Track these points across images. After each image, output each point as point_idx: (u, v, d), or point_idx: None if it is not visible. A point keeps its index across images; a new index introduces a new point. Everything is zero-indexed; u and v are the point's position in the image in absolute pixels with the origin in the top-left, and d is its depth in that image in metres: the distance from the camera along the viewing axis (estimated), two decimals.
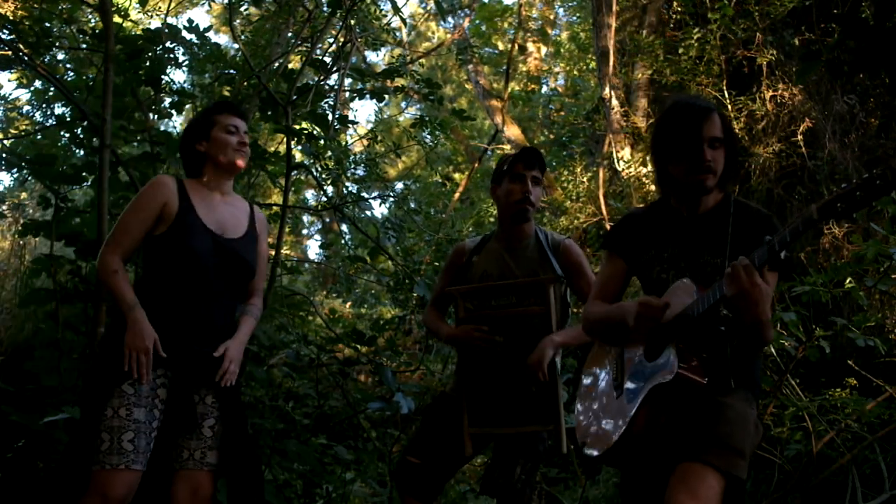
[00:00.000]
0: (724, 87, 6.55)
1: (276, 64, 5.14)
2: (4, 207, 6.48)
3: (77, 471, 1.98)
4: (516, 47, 11.86)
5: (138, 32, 4.82)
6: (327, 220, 13.75)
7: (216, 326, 2.18)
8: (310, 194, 12.25)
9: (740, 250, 1.69)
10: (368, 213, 9.62)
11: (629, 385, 1.87)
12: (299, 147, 5.08)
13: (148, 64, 4.06)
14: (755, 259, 1.59)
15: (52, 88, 4.84)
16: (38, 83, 5.59)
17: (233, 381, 2.16)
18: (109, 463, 1.94)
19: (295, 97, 4.46)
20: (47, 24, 4.21)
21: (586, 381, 2.10)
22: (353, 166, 5.63)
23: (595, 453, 1.92)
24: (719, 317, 1.75)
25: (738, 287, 1.59)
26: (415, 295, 5.02)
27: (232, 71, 5.31)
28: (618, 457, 1.91)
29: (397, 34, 10.55)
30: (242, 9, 6.58)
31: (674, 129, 1.91)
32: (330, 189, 5.29)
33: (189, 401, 2.10)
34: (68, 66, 5.10)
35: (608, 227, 6.80)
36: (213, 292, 2.17)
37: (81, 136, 4.12)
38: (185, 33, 5.04)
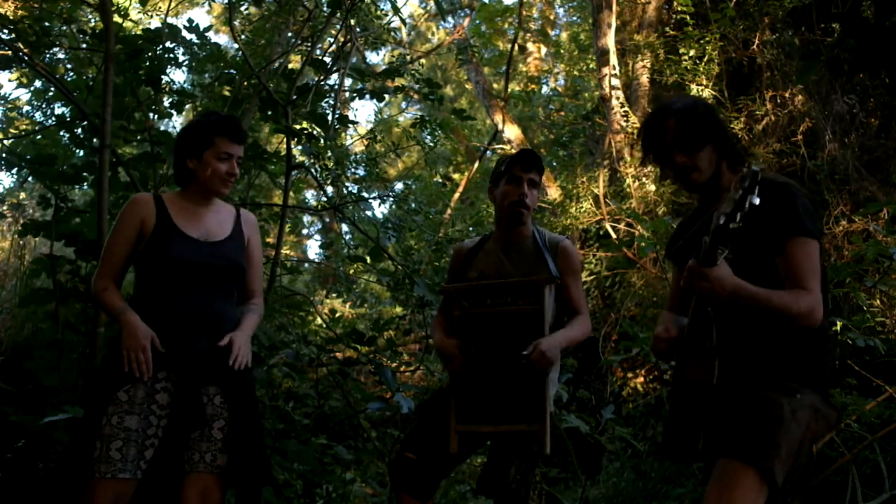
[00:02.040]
0: (724, 87, 6.55)
1: (276, 64, 5.14)
2: (4, 207, 6.48)
3: (72, 477, 2.00)
4: (516, 47, 11.86)
5: (138, 32, 4.82)
6: (327, 220, 13.75)
7: (215, 324, 2.18)
8: (310, 194, 12.24)
9: (754, 236, 1.76)
10: (368, 213, 9.62)
11: None
12: (299, 147, 5.08)
13: (148, 64, 4.06)
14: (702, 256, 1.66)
15: (52, 88, 4.84)
16: (38, 83, 5.59)
17: (244, 363, 2.17)
18: (98, 471, 1.97)
19: (295, 97, 4.46)
20: (47, 24, 4.21)
21: None
22: (353, 166, 5.63)
23: None
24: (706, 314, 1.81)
25: (690, 286, 1.68)
26: (415, 295, 5.02)
27: (232, 71, 5.31)
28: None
29: (397, 34, 10.55)
30: (242, 8, 6.58)
31: (643, 143, 1.99)
32: (330, 189, 5.29)
33: (196, 397, 2.11)
34: (68, 65, 5.10)
35: (608, 228, 6.80)
36: (204, 294, 2.18)
37: (81, 136, 4.12)
38: (185, 33, 5.05)
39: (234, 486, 2.12)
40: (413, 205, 6.14)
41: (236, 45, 5.21)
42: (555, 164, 9.34)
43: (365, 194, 6.59)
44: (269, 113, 4.62)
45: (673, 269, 2.11)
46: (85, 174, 3.75)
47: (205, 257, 2.19)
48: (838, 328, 3.34)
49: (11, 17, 4.09)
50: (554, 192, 8.00)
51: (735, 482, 1.64)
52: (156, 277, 2.17)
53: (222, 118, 2.28)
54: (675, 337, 1.94)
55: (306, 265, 11.60)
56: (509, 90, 10.81)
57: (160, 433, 2.08)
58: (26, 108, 6.59)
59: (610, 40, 7.80)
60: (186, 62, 5.44)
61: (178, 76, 33.12)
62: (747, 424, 1.71)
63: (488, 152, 11.38)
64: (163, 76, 4.20)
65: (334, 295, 10.72)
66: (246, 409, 2.19)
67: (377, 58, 14.28)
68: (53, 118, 5.58)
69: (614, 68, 7.72)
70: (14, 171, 4.14)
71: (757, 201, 1.55)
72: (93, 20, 6.56)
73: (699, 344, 1.81)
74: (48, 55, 4.54)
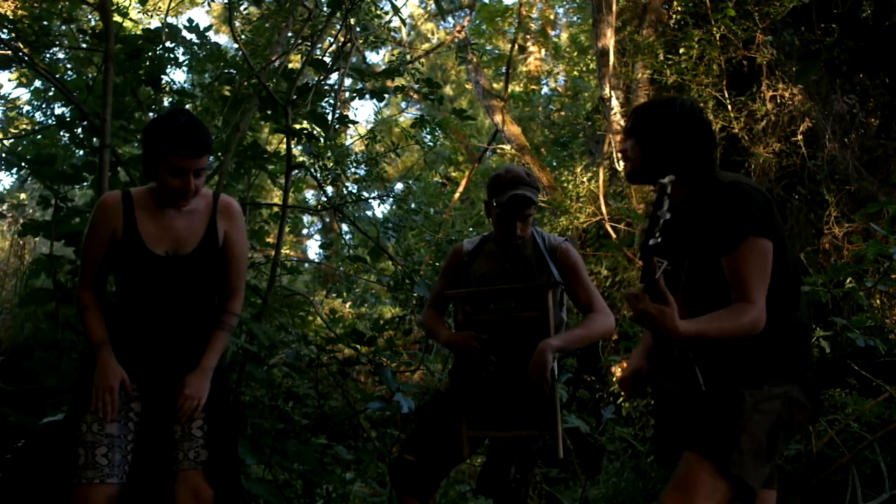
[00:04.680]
0: (724, 87, 6.55)
1: (276, 64, 5.13)
2: (4, 207, 6.48)
3: (58, 484, 2.02)
4: (516, 47, 11.86)
5: (138, 32, 4.82)
6: (327, 220, 13.74)
7: (182, 345, 2.18)
8: (310, 194, 12.25)
9: (705, 239, 1.81)
10: (368, 213, 9.62)
11: None
12: (299, 147, 5.08)
13: (148, 64, 4.06)
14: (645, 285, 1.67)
15: (52, 88, 4.84)
16: (38, 83, 5.58)
17: (192, 417, 2.12)
18: (86, 477, 1.98)
19: (295, 97, 4.46)
20: (47, 24, 4.21)
21: None
22: (353, 166, 5.62)
23: None
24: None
25: (636, 318, 1.69)
26: (415, 295, 5.02)
27: (232, 71, 5.30)
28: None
29: (396, 34, 10.54)
30: (242, 8, 6.58)
31: None
32: (330, 189, 5.29)
33: (165, 418, 2.13)
34: (68, 65, 5.10)
35: (608, 228, 6.80)
36: (174, 314, 2.16)
37: (81, 136, 4.12)
38: (185, 33, 5.04)
39: (213, 482, 2.12)
40: (413, 205, 6.15)
41: (236, 45, 5.21)
42: (555, 164, 9.34)
43: (365, 194, 6.59)
44: (269, 113, 4.62)
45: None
46: (85, 174, 3.75)
47: (170, 277, 2.13)
48: (838, 328, 3.34)
49: (11, 17, 4.09)
50: (554, 192, 8.00)
51: (691, 473, 1.66)
52: (126, 290, 2.17)
53: (176, 128, 2.02)
54: (635, 372, 1.98)
55: (306, 265, 11.60)
56: (509, 90, 10.81)
57: (136, 438, 2.12)
58: (26, 108, 6.59)
59: (610, 40, 7.80)
60: (186, 62, 5.43)
61: (178, 76, 33.13)
62: (707, 419, 1.74)
63: (488, 152, 11.38)
64: (163, 76, 4.20)
65: (334, 295, 10.72)
66: (218, 406, 2.20)
67: (377, 58, 14.30)
68: (53, 118, 5.57)
69: (614, 68, 7.72)
70: (14, 171, 4.14)
71: (668, 216, 1.57)
72: (93, 20, 6.56)
73: (665, 356, 1.83)
74: (48, 55, 4.54)
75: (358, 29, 5.37)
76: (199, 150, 2.05)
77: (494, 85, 12.26)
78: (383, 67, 6.64)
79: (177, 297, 2.16)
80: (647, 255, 1.61)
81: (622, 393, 2.06)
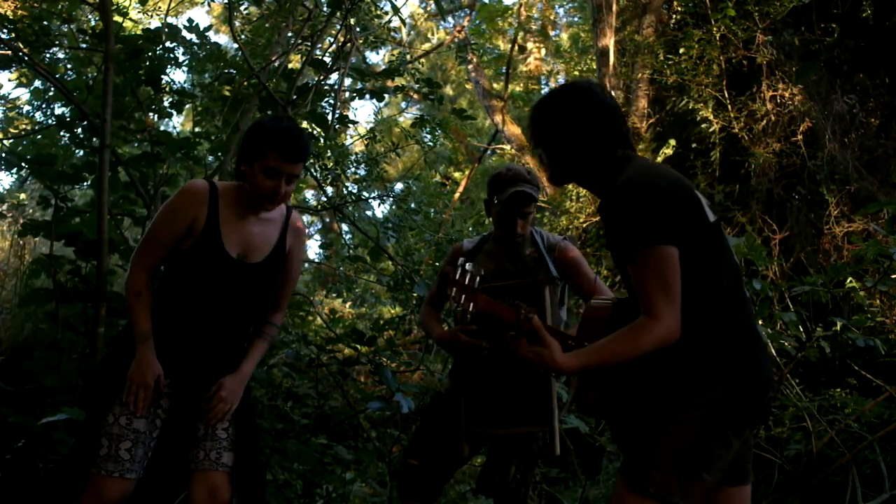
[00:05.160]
0: (724, 87, 6.55)
1: (276, 64, 5.13)
2: (4, 207, 6.48)
3: (76, 471, 2.00)
4: (516, 47, 11.86)
5: (138, 32, 4.82)
6: (327, 220, 13.74)
7: (226, 350, 2.16)
8: (310, 194, 12.24)
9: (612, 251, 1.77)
10: (368, 213, 9.62)
11: None
12: None
13: (148, 64, 4.06)
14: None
15: (52, 88, 4.84)
16: (38, 83, 5.59)
17: (223, 417, 2.11)
18: (105, 469, 1.96)
19: (295, 97, 4.46)
20: (47, 24, 4.21)
21: None
22: (353, 166, 5.63)
23: None
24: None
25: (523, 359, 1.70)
26: (415, 295, 5.02)
27: (232, 71, 5.31)
28: None
29: (396, 34, 10.54)
30: (242, 8, 6.58)
31: None
32: (330, 189, 5.29)
33: (190, 416, 2.11)
34: (68, 65, 5.10)
35: None
36: (226, 317, 2.14)
37: (81, 136, 4.12)
38: (185, 33, 5.04)
39: (237, 487, 2.11)
40: (413, 205, 6.15)
41: (236, 45, 5.21)
42: None
43: (365, 194, 6.59)
44: (269, 113, 4.61)
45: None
46: (85, 174, 3.75)
47: (236, 282, 2.11)
48: (838, 328, 3.34)
49: (11, 17, 4.09)
50: (554, 193, 8.00)
51: (620, 499, 1.61)
52: (185, 286, 2.11)
53: (281, 129, 2.06)
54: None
55: (306, 265, 11.59)
56: (509, 90, 10.81)
57: (159, 435, 2.10)
58: (26, 108, 6.61)
59: (610, 40, 7.80)
60: (186, 62, 5.43)
61: (178, 76, 33.13)
62: (629, 441, 1.67)
63: (488, 152, 11.39)
64: (163, 76, 4.20)
65: (334, 295, 10.72)
66: (246, 413, 2.19)
67: (377, 58, 14.29)
68: (53, 118, 5.58)
69: (614, 68, 7.72)
70: (14, 171, 4.14)
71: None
72: (93, 20, 6.56)
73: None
74: (48, 55, 4.54)
75: (358, 29, 5.38)
76: (298, 155, 2.07)
77: (494, 85, 12.26)
78: (383, 67, 6.64)
79: (234, 301, 2.13)
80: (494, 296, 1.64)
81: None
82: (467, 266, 1.75)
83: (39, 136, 4.74)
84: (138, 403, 2.01)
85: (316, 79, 4.95)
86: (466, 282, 1.77)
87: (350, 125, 7.32)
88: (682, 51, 6.86)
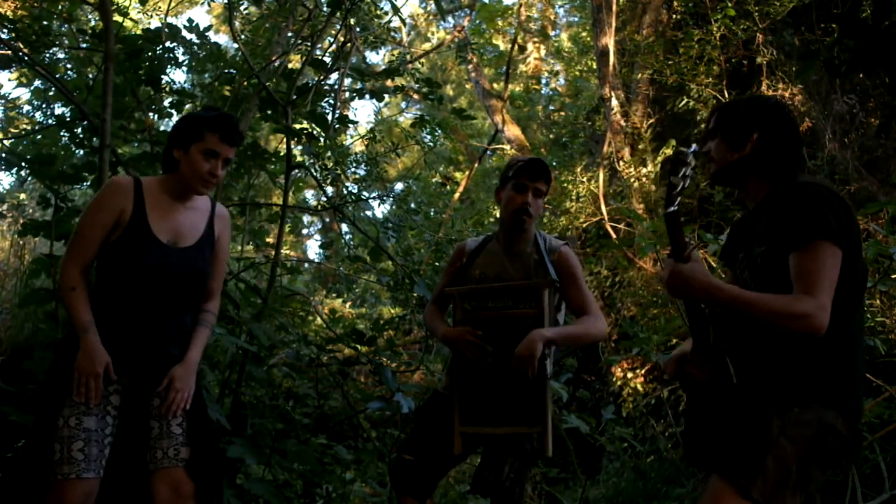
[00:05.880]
0: (724, 87, 6.55)
1: (276, 64, 5.13)
2: (4, 207, 6.48)
3: (34, 479, 2.01)
4: (516, 47, 11.86)
5: (138, 32, 4.82)
6: (327, 220, 13.75)
7: (169, 336, 2.18)
8: (310, 194, 12.25)
9: (776, 237, 1.75)
10: (368, 213, 9.61)
11: None
12: (299, 147, 5.07)
13: (148, 64, 4.06)
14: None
15: (52, 88, 4.84)
16: (38, 83, 5.59)
17: (178, 411, 2.12)
18: (62, 473, 1.96)
19: (295, 97, 4.46)
20: (47, 24, 4.21)
21: None
22: (353, 166, 5.62)
23: None
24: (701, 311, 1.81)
25: (663, 283, 1.74)
26: (415, 295, 5.02)
27: (232, 71, 5.31)
28: None
29: (396, 34, 10.54)
30: (242, 8, 6.58)
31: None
32: (330, 189, 5.29)
33: (142, 414, 2.12)
34: (68, 65, 5.10)
35: (608, 228, 6.80)
36: (165, 303, 2.16)
37: (81, 136, 4.12)
38: (185, 33, 5.04)
39: (196, 480, 2.12)
40: (413, 205, 6.15)
41: (236, 45, 5.21)
42: (555, 163, 9.35)
43: (365, 194, 6.59)
44: (269, 113, 4.62)
45: (728, 274, 2.05)
46: (85, 174, 3.75)
47: (170, 265, 2.14)
48: None
49: (11, 17, 4.09)
50: (553, 193, 8.00)
51: (716, 498, 1.61)
52: (119, 277, 2.13)
53: (220, 115, 2.20)
54: (681, 355, 1.93)
55: (306, 265, 11.60)
56: (509, 90, 10.82)
57: (114, 433, 2.10)
58: (26, 108, 6.60)
59: (610, 40, 7.80)
60: (186, 62, 5.43)
61: (178, 76, 33.15)
62: (735, 441, 1.67)
63: (488, 152, 11.39)
64: (163, 76, 4.20)
65: (334, 295, 10.72)
66: (197, 404, 2.20)
67: (377, 58, 14.30)
68: (53, 118, 5.58)
69: (614, 68, 7.72)
70: (14, 171, 4.14)
71: (685, 182, 1.60)
72: (93, 20, 6.57)
73: (699, 343, 1.80)
74: (48, 55, 4.54)
75: (358, 29, 5.38)
76: (235, 138, 2.20)
77: (494, 85, 12.27)
78: (383, 67, 6.64)
79: (170, 287, 2.16)
80: (668, 223, 1.63)
81: (665, 373, 2.00)
82: None
83: (39, 136, 4.74)
84: (90, 394, 2.01)
85: (316, 79, 4.95)
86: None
87: (350, 125, 7.31)
88: (681, 51, 6.86)
